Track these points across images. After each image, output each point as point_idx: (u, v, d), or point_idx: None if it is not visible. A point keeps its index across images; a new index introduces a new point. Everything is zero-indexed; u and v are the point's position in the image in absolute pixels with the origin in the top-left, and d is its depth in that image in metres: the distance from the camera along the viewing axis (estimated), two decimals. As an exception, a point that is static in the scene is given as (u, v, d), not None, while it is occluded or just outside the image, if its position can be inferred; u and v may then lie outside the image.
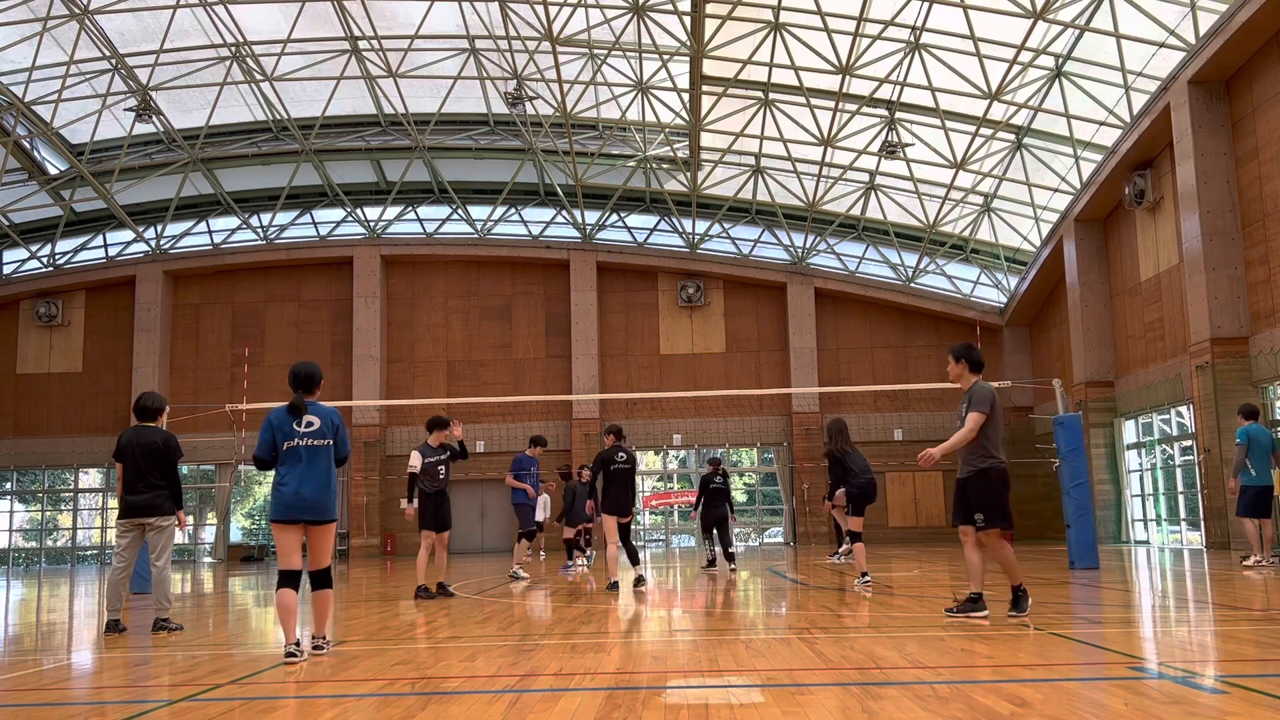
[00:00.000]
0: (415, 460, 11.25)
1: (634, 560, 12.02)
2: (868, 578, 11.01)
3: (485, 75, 26.92)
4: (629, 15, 23.52)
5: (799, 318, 30.22)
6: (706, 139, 28.07)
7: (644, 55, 25.20)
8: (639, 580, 11.70)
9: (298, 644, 6.31)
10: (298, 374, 6.81)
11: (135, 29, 24.80)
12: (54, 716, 4.85)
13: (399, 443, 29.44)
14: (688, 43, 23.87)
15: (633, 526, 12.17)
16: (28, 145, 27.83)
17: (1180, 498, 22.62)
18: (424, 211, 31.88)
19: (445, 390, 30.11)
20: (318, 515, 6.49)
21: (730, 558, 15.40)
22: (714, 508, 15.68)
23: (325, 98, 26.98)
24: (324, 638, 6.62)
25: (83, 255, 31.69)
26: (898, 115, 25.30)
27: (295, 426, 6.59)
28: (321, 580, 6.62)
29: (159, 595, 8.61)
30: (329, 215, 31.73)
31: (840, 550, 12.04)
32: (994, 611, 7.69)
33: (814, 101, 25.24)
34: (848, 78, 23.59)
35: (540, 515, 19.45)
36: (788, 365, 30.15)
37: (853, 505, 11.24)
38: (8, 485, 33.14)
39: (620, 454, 11.47)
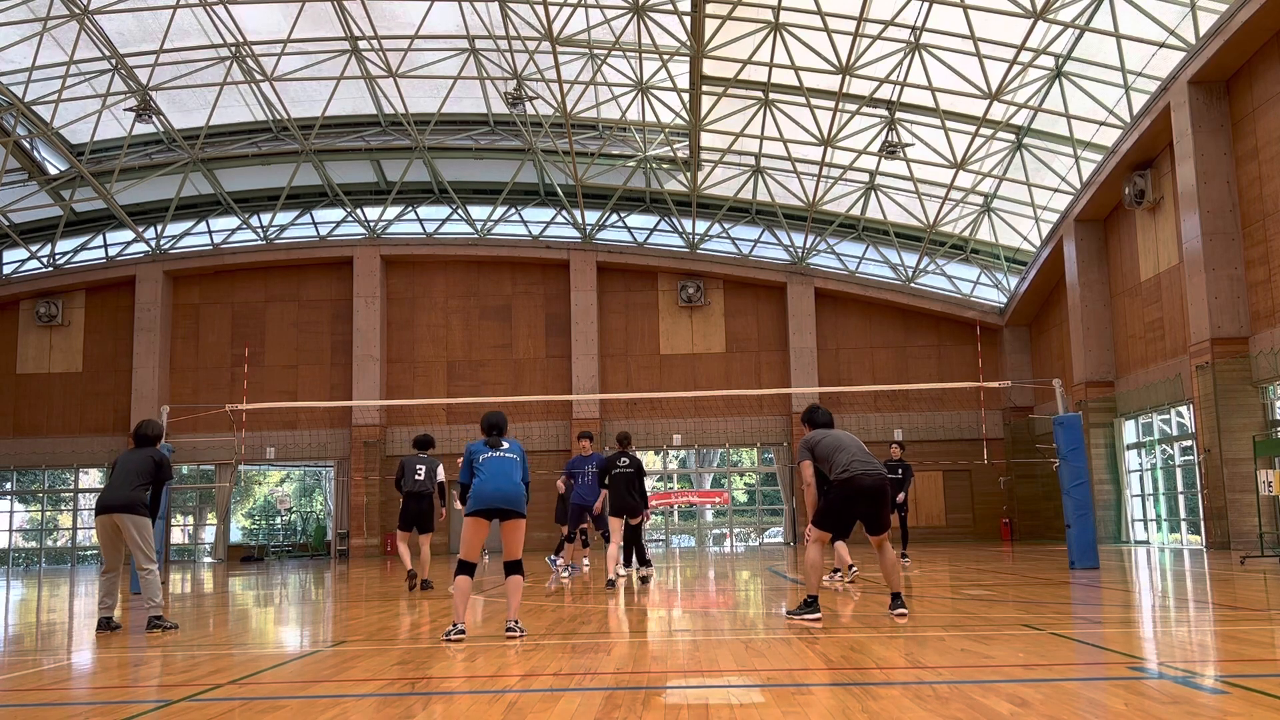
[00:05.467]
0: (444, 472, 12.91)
1: (626, 561, 12.47)
2: (855, 569, 11.51)
3: (485, 75, 26.92)
4: (629, 15, 23.51)
5: (799, 318, 30.22)
6: (706, 139, 28.07)
7: (644, 55, 25.21)
8: (610, 582, 11.72)
9: (460, 627, 7.20)
10: (493, 423, 7.74)
11: (135, 29, 24.80)
12: (54, 716, 4.85)
13: (399, 443, 29.45)
14: (688, 43, 23.87)
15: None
16: (28, 145, 27.83)
17: (1180, 498, 22.62)
18: (424, 211, 31.88)
19: (445, 390, 30.11)
20: (511, 505, 7.38)
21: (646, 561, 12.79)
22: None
23: (325, 98, 26.98)
24: (516, 621, 7.35)
25: (83, 255, 31.69)
26: (898, 115, 25.30)
27: (490, 450, 7.63)
28: (514, 569, 7.55)
29: (148, 594, 8.65)
30: (329, 215, 31.73)
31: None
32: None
33: (814, 101, 25.24)
34: (848, 78, 23.59)
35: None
36: (788, 365, 30.15)
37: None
38: (8, 485, 33.13)
39: (622, 459, 12.22)
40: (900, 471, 15.53)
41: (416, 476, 12.79)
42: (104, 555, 8.76)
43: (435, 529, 12.94)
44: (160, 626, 8.48)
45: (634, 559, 12.70)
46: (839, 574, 11.37)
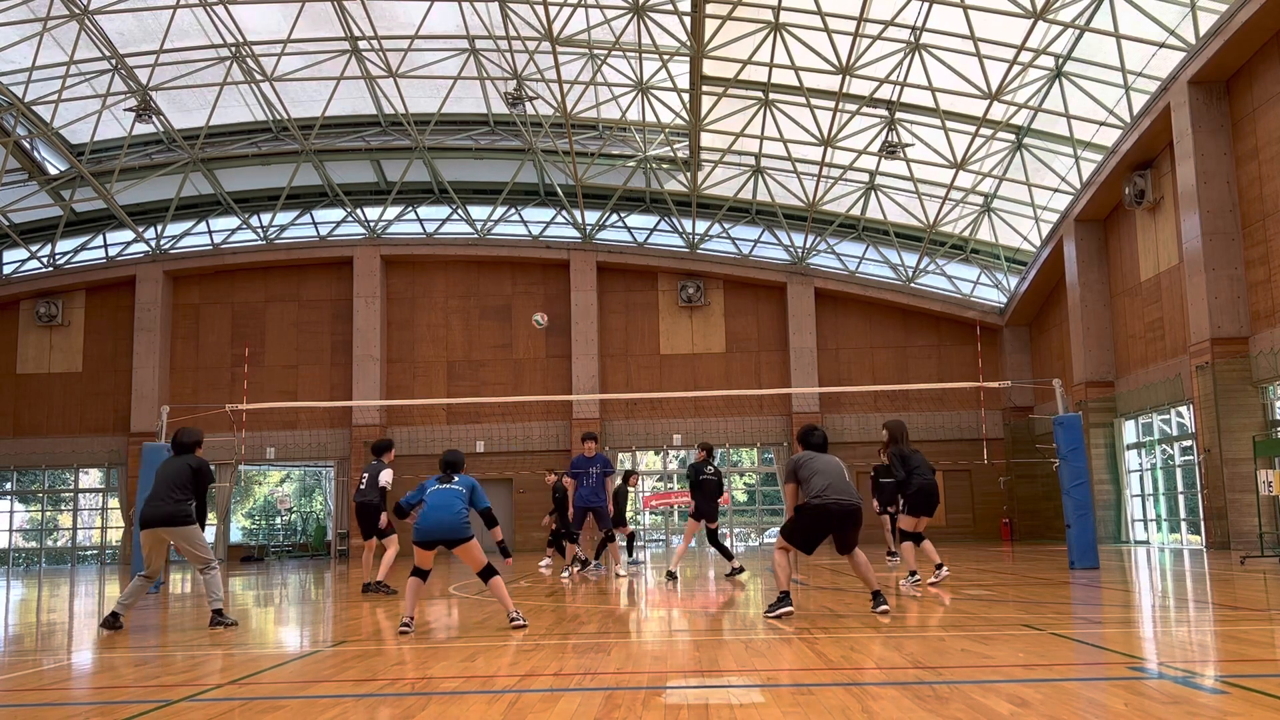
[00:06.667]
0: (389, 478, 12.47)
1: (727, 555, 13.53)
2: (916, 576, 11.00)
3: (485, 75, 26.93)
4: (629, 15, 23.52)
5: (799, 318, 30.22)
6: (706, 139, 28.07)
7: (644, 55, 25.21)
8: (733, 571, 13.34)
9: (410, 620, 7.75)
10: (448, 461, 8.21)
11: (135, 29, 24.80)
12: (54, 716, 4.85)
13: (399, 443, 29.38)
14: (688, 43, 23.87)
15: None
16: (28, 145, 27.83)
17: (1180, 498, 22.62)
18: (424, 211, 31.88)
19: (445, 390, 30.11)
20: (451, 535, 7.84)
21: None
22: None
23: (325, 98, 26.98)
24: (517, 612, 7.82)
25: (83, 255, 31.69)
26: (898, 115, 25.30)
27: (438, 484, 8.10)
28: (486, 574, 8.04)
29: (210, 592, 8.76)
30: (329, 215, 31.73)
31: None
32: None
33: (814, 101, 25.24)
34: (848, 78, 23.59)
35: None
36: (788, 365, 30.15)
37: (910, 505, 11.03)
38: (8, 485, 33.12)
39: (709, 466, 13.15)
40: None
41: (360, 485, 12.70)
42: (146, 561, 8.86)
43: (384, 534, 12.51)
44: (222, 623, 8.60)
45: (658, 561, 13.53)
46: (916, 576, 10.97)
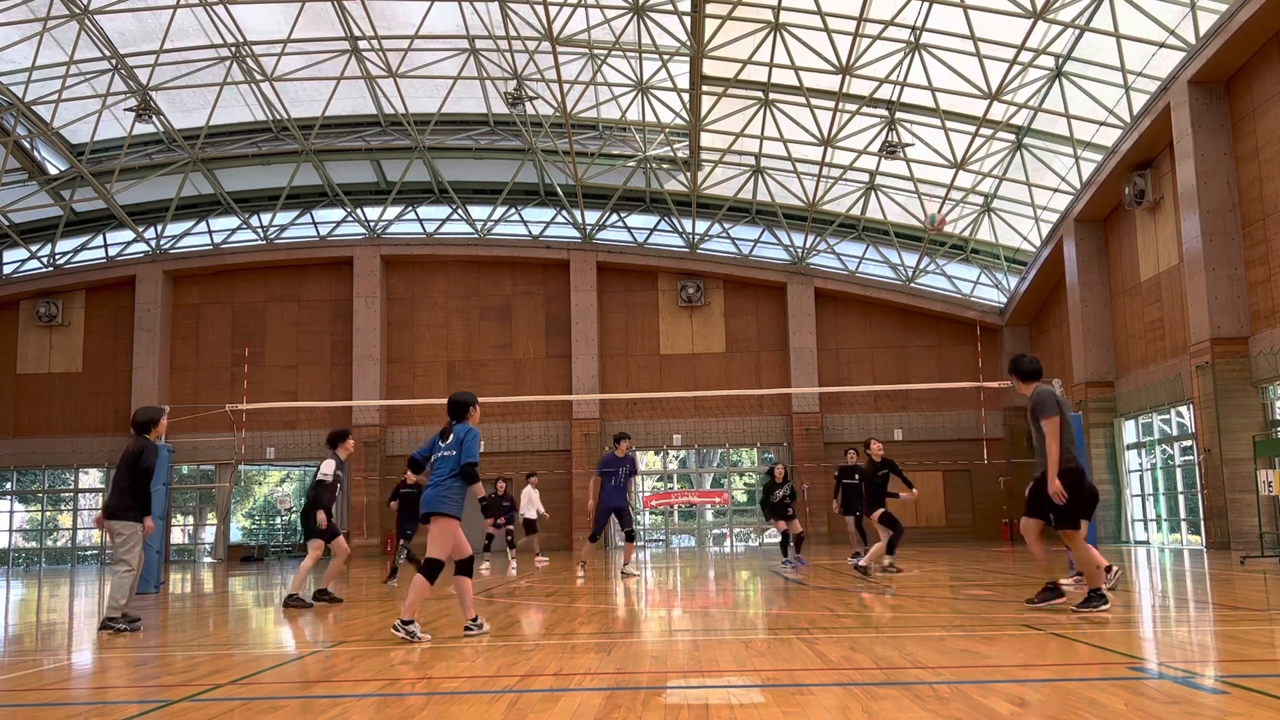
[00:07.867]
0: (329, 469, 10.91)
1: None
2: (1115, 570, 10.25)
3: (485, 75, 26.93)
4: (629, 15, 23.52)
5: (799, 318, 30.22)
6: (706, 139, 28.07)
7: (644, 55, 25.21)
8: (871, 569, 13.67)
9: (474, 620, 7.34)
10: (449, 405, 7.75)
11: (135, 29, 24.80)
12: (54, 716, 4.85)
13: (399, 443, 29.45)
14: (688, 43, 23.87)
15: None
16: (28, 145, 27.83)
17: (1180, 498, 22.62)
18: (424, 211, 31.88)
19: (445, 390, 30.03)
20: (427, 508, 7.34)
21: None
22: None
23: (325, 98, 26.98)
24: (401, 622, 7.07)
25: (83, 255, 31.69)
26: (898, 115, 25.30)
27: (440, 443, 7.64)
28: (422, 568, 7.25)
29: (110, 594, 8.45)
30: (329, 215, 31.73)
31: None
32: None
33: (814, 101, 25.24)
34: (848, 78, 23.59)
35: (533, 512, 19.38)
36: (788, 365, 30.14)
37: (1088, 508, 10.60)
38: (8, 485, 33.11)
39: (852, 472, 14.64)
40: (885, 472, 15.67)
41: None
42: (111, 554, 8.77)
43: (324, 535, 10.99)
44: (112, 628, 8.28)
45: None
46: (1114, 570, 10.61)
